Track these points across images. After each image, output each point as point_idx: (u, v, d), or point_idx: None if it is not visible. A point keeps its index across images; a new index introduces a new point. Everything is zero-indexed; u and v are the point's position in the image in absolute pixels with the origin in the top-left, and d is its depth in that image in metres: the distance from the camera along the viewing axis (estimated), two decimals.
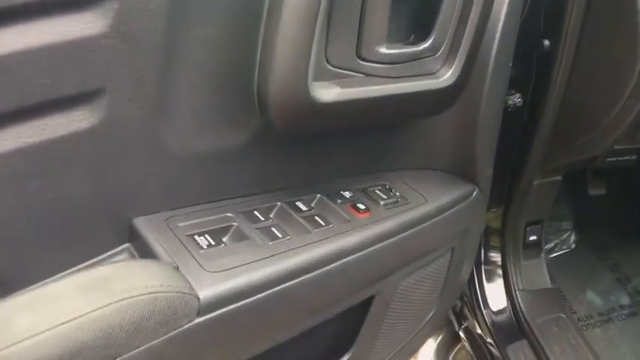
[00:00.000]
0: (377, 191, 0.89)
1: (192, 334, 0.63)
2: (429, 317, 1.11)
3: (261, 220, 0.77)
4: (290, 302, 0.74)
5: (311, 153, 0.84)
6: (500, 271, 1.35)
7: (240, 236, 0.73)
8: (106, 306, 0.55)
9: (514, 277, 1.33)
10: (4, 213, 0.60)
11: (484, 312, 1.33)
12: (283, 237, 0.74)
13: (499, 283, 1.35)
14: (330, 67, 0.70)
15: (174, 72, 0.64)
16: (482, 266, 1.35)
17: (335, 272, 0.77)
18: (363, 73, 0.72)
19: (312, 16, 0.62)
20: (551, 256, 1.55)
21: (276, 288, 0.70)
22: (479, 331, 1.34)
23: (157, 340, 0.60)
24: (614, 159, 1.25)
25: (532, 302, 1.31)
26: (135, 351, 0.58)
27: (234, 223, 0.74)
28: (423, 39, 0.76)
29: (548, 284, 1.36)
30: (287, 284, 0.71)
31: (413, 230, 0.88)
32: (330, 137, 0.83)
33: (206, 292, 0.64)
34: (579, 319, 1.43)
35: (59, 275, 0.66)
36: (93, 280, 0.58)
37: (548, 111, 1.13)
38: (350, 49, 0.71)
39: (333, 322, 0.87)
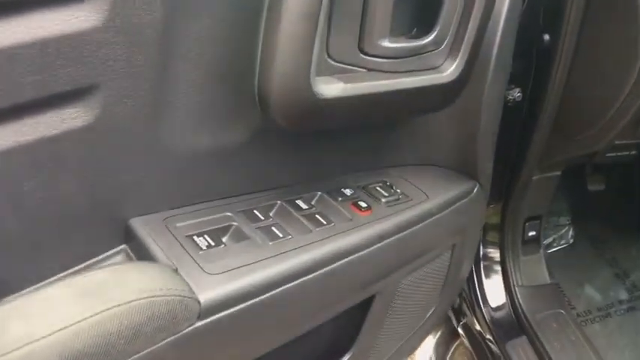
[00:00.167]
0: (378, 188, 0.88)
1: (193, 339, 0.61)
2: (428, 315, 1.10)
3: (261, 220, 0.75)
4: (292, 303, 0.72)
5: (311, 150, 0.82)
6: (499, 267, 1.34)
7: (240, 236, 0.71)
8: (103, 312, 0.54)
9: (513, 273, 1.32)
10: None
11: (483, 308, 1.32)
12: (284, 237, 0.72)
13: (498, 279, 1.34)
14: (332, 62, 0.68)
15: (172, 67, 0.62)
16: (481, 262, 1.34)
17: (337, 272, 0.75)
18: (365, 68, 0.70)
19: (315, 8, 0.59)
20: (550, 251, 1.54)
21: (278, 289, 0.68)
22: (478, 327, 1.33)
23: (156, 346, 0.58)
24: (614, 154, 1.24)
25: (531, 298, 1.30)
26: (134, 357, 0.56)
27: (234, 223, 0.73)
28: (426, 32, 0.74)
29: (547, 280, 1.35)
30: (288, 285, 0.70)
31: (415, 228, 0.86)
32: (330, 133, 0.81)
33: (206, 295, 0.62)
34: (578, 315, 1.43)
35: (54, 278, 0.64)
36: (89, 284, 0.56)
37: (547, 106, 1.12)
38: (352, 43, 0.68)
39: (334, 322, 0.86)
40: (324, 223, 0.77)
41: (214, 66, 0.65)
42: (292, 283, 0.70)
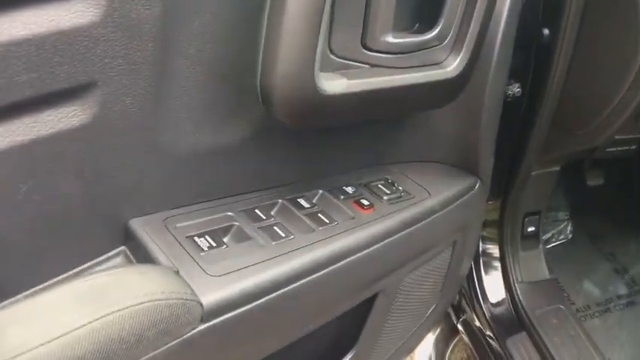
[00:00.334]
0: (380, 186, 0.86)
1: (196, 342, 0.60)
2: (429, 312, 1.09)
3: (263, 219, 0.73)
4: (295, 304, 0.71)
5: (312, 147, 0.81)
6: (498, 263, 1.34)
7: (241, 236, 0.70)
8: (103, 317, 0.52)
9: (512, 269, 1.31)
10: None
11: (483, 305, 1.31)
12: (287, 236, 0.71)
13: (497, 275, 1.33)
14: (334, 58, 0.66)
15: (172, 64, 0.60)
16: (480, 258, 1.34)
17: (340, 271, 0.74)
18: (368, 64, 0.69)
19: (319, 4, 0.58)
20: (548, 246, 1.53)
21: (281, 291, 0.67)
22: (477, 323, 1.32)
23: (159, 350, 0.56)
24: (614, 149, 1.24)
25: (531, 294, 1.29)
26: None
27: (235, 223, 0.71)
28: (429, 27, 0.73)
29: (547, 275, 1.35)
30: (292, 286, 0.68)
31: (417, 226, 0.85)
32: (331, 130, 0.80)
33: (209, 297, 0.61)
34: (578, 310, 1.43)
35: (52, 281, 0.63)
36: (89, 289, 0.55)
37: (547, 101, 1.11)
38: (355, 39, 0.67)
39: (337, 321, 0.85)
40: (327, 222, 0.76)
41: (215, 63, 0.63)
42: (295, 284, 0.69)
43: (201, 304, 0.60)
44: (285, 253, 0.69)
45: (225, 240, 0.69)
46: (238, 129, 0.70)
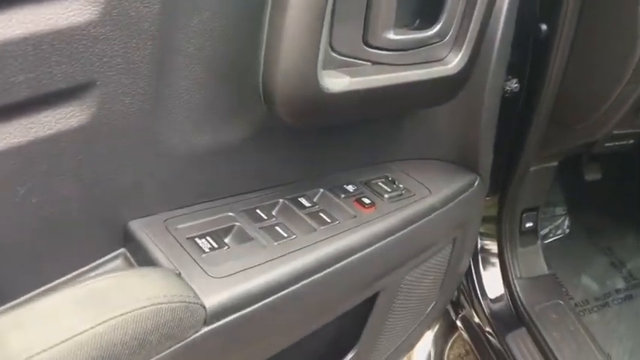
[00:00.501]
0: (380, 184, 0.86)
1: (200, 345, 0.59)
2: (429, 310, 1.09)
3: (264, 219, 0.72)
4: (298, 305, 0.70)
5: (312, 145, 0.80)
6: (496, 260, 1.33)
7: (243, 237, 0.69)
8: (105, 322, 0.51)
9: (511, 265, 1.31)
10: None
11: (482, 301, 1.31)
12: (289, 236, 0.70)
13: (496, 271, 1.33)
14: (335, 55, 0.65)
15: (171, 63, 0.59)
16: (479, 255, 1.33)
17: (343, 271, 0.73)
18: (370, 61, 0.68)
19: (322, 1, 0.57)
20: (546, 242, 1.53)
21: (284, 291, 0.66)
22: (476, 320, 1.32)
23: (162, 354, 0.56)
24: (613, 144, 1.23)
25: (530, 289, 1.29)
26: None
27: (237, 223, 0.70)
28: (430, 23, 0.72)
29: (545, 271, 1.35)
30: (295, 286, 0.68)
31: (418, 223, 0.85)
32: (331, 129, 0.79)
33: (212, 300, 0.60)
34: (576, 305, 1.43)
35: (52, 284, 0.62)
36: (90, 293, 0.54)
37: (545, 96, 1.11)
38: (356, 36, 0.66)
39: (338, 320, 0.84)
40: (329, 221, 0.75)
41: (215, 61, 0.62)
42: (298, 284, 0.68)
43: (204, 307, 0.59)
44: (287, 254, 0.68)
45: (226, 241, 0.68)
46: (238, 128, 0.69)
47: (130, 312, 0.52)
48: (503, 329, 1.27)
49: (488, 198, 1.29)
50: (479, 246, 1.34)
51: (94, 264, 0.65)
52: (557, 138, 1.19)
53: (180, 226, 0.67)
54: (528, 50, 1.10)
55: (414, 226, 0.84)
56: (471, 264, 1.33)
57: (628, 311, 1.44)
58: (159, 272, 0.60)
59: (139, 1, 0.54)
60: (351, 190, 0.82)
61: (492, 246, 1.34)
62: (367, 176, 0.86)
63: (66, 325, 0.50)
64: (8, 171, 0.53)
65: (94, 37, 0.53)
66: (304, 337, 0.78)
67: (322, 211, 0.76)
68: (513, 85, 1.09)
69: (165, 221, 0.67)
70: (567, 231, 1.59)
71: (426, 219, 0.86)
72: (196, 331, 0.58)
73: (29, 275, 0.61)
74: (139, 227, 0.65)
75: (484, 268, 1.34)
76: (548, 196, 1.38)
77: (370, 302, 0.88)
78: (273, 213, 0.74)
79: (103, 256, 0.66)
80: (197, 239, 0.66)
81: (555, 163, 1.29)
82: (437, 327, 1.41)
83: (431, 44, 0.73)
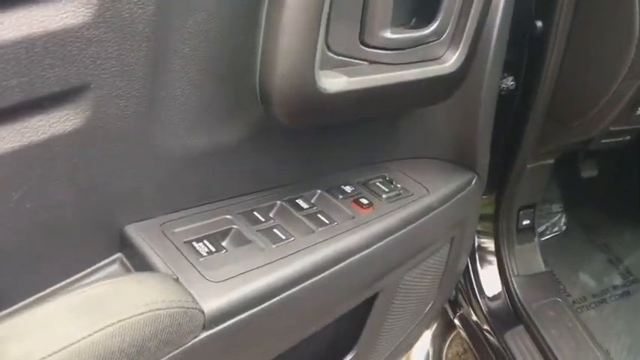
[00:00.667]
0: (378, 184, 0.85)
1: (199, 351, 0.58)
2: (427, 310, 1.09)
3: (262, 221, 0.72)
4: (297, 308, 0.69)
5: (309, 146, 0.79)
6: (493, 258, 1.33)
7: (241, 240, 0.68)
8: (103, 329, 0.50)
9: (508, 263, 1.31)
10: None
11: (479, 299, 1.31)
12: (287, 239, 0.70)
13: (493, 269, 1.32)
14: (332, 55, 0.64)
15: (166, 65, 0.58)
16: (476, 253, 1.33)
17: (342, 272, 0.73)
18: (367, 61, 0.67)
19: (319, 0, 0.56)
20: (543, 239, 1.53)
21: (283, 295, 0.66)
22: (474, 318, 1.32)
23: None
24: (609, 140, 1.23)
25: (527, 287, 1.29)
26: None
27: (234, 226, 0.70)
28: (426, 22, 0.72)
29: (543, 268, 1.34)
30: (294, 289, 0.67)
31: (417, 223, 0.84)
32: (328, 129, 0.78)
33: (211, 304, 0.59)
34: (574, 302, 1.43)
35: (48, 290, 0.61)
36: (87, 300, 0.53)
37: (541, 94, 1.10)
38: (353, 35, 0.65)
39: (337, 322, 0.83)
40: (327, 222, 0.74)
41: (211, 62, 0.61)
42: (297, 287, 0.67)
43: (202, 312, 0.58)
44: (285, 256, 0.67)
45: (224, 244, 0.67)
46: (235, 129, 0.68)
47: (128, 318, 0.51)
48: (502, 327, 1.27)
49: (485, 196, 1.29)
50: (476, 244, 1.33)
51: (90, 269, 0.64)
52: (554, 135, 1.19)
53: (177, 230, 0.66)
54: (524, 47, 1.09)
55: (412, 225, 0.83)
56: (469, 262, 1.32)
57: (626, 307, 1.44)
58: (156, 277, 0.59)
59: (133, 2, 0.53)
60: (349, 191, 0.82)
61: (490, 244, 1.34)
62: (365, 176, 0.86)
63: (63, 332, 0.49)
64: (2, 176, 0.53)
65: (88, 39, 0.52)
66: (303, 339, 0.77)
67: (320, 212, 0.76)
68: (509, 82, 1.09)
69: (161, 225, 0.66)
70: (564, 228, 1.59)
71: (424, 218, 0.86)
72: (195, 337, 0.58)
73: (25, 281, 0.60)
74: (135, 231, 0.65)
75: (481, 266, 1.33)
76: (545, 193, 1.38)
77: (369, 303, 0.88)
78: (271, 215, 0.74)
79: (100, 261, 0.65)
80: (194, 243, 0.66)
81: (552, 161, 1.29)
82: (435, 326, 1.41)
83: (428, 43, 0.72)
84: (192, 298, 0.58)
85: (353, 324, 0.90)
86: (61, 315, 0.51)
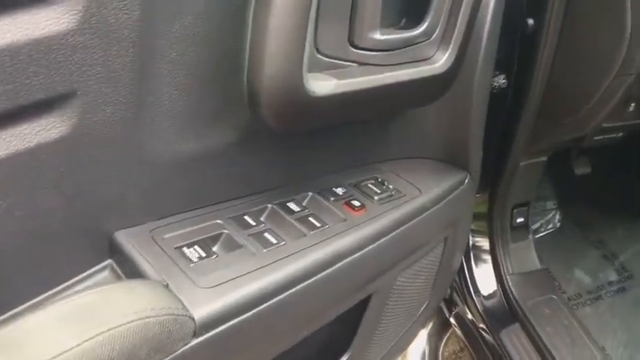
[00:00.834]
0: (370, 185, 0.85)
1: (189, 358, 0.58)
2: (422, 310, 1.08)
3: (253, 225, 0.71)
4: (289, 312, 0.69)
5: (299, 148, 0.79)
6: (488, 256, 1.33)
7: (231, 245, 0.68)
8: (93, 337, 0.50)
9: (503, 261, 1.31)
10: None
11: (475, 297, 1.31)
12: (278, 243, 0.69)
13: (488, 267, 1.33)
14: (321, 57, 0.64)
15: (153, 70, 0.58)
16: (471, 252, 1.33)
17: (334, 276, 0.72)
18: (356, 62, 0.67)
19: (306, 1, 0.56)
20: (537, 236, 1.53)
21: (274, 299, 0.65)
22: (470, 316, 1.32)
23: None
24: (602, 137, 1.23)
25: (522, 285, 1.29)
26: None
27: (225, 231, 0.69)
28: (416, 22, 0.71)
29: (537, 265, 1.35)
30: (285, 294, 0.66)
31: (409, 224, 0.84)
32: (318, 131, 0.78)
33: (201, 311, 0.58)
34: (569, 299, 1.43)
35: (37, 299, 0.60)
36: (75, 308, 0.52)
37: (533, 91, 1.11)
38: (341, 36, 0.65)
39: (329, 326, 0.83)
40: (318, 225, 0.74)
41: (199, 66, 0.60)
42: (289, 292, 0.67)
43: (193, 319, 0.58)
44: (277, 261, 0.67)
45: (214, 249, 0.67)
46: (223, 133, 0.67)
47: (118, 327, 0.51)
48: (497, 325, 1.27)
49: (478, 195, 1.29)
50: (470, 243, 1.33)
51: (80, 276, 0.63)
52: (546, 133, 1.18)
53: (166, 236, 0.66)
54: (515, 45, 1.09)
55: (405, 226, 0.83)
56: (463, 261, 1.32)
57: (621, 304, 1.44)
58: (146, 284, 0.59)
59: (118, 8, 0.52)
60: (341, 193, 0.81)
61: (484, 242, 1.34)
62: (356, 178, 0.85)
63: (53, 342, 0.49)
64: None
65: (73, 45, 0.51)
66: (295, 344, 0.77)
67: (311, 215, 0.75)
68: (501, 81, 1.09)
69: (151, 231, 0.66)
70: (558, 225, 1.59)
71: (417, 219, 0.86)
72: (186, 344, 0.57)
73: (15, 290, 0.59)
74: (124, 238, 0.64)
75: (476, 265, 1.34)
76: (539, 190, 1.38)
77: (362, 306, 0.87)
78: (262, 219, 0.73)
79: (90, 268, 0.64)
80: (184, 248, 0.65)
81: (545, 158, 1.29)
82: (431, 325, 1.41)
83: (417, 43, 0.72)
84: (182, 305, 0.58)
85: (346, 326, 0.90)
86: (50, 324, 0.50)
